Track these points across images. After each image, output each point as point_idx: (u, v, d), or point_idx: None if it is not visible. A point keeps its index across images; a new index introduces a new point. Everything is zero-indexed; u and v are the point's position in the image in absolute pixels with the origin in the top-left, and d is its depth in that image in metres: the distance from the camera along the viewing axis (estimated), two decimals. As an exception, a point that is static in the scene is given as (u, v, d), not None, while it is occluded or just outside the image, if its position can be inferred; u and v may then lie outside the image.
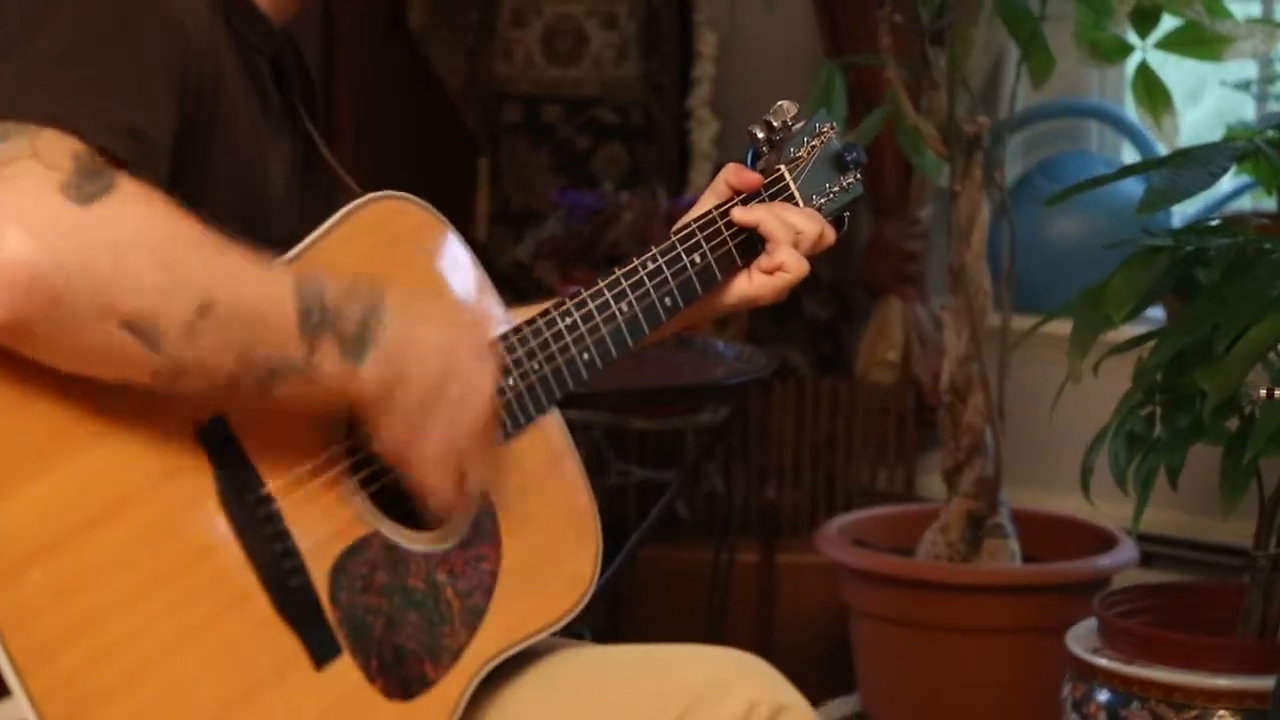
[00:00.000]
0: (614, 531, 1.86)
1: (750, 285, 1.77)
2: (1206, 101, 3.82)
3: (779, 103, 1.80)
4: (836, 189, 1.81)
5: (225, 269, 1.35)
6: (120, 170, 1.33)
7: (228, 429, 1.43)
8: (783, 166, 1.79)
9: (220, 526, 1.41)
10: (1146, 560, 3.38)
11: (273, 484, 1.44)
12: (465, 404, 1.47)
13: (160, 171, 1.38)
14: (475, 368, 1.49)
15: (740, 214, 1.75)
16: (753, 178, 1.77)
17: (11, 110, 1.32)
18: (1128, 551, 3.14)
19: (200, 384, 1.36)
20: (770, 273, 1.75)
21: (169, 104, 1.40)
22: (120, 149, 1.33)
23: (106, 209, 1.30)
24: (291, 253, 1.51)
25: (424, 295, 1.52)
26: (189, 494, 1.40)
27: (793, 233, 1.74)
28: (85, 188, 1.29)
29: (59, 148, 1.31)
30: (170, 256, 1.32)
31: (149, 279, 1.31)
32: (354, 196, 1.62)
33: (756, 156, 1.80)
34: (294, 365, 1.38)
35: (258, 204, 1.54)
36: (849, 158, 1.82)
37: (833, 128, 1.83)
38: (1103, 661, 2.62)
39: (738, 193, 1.77)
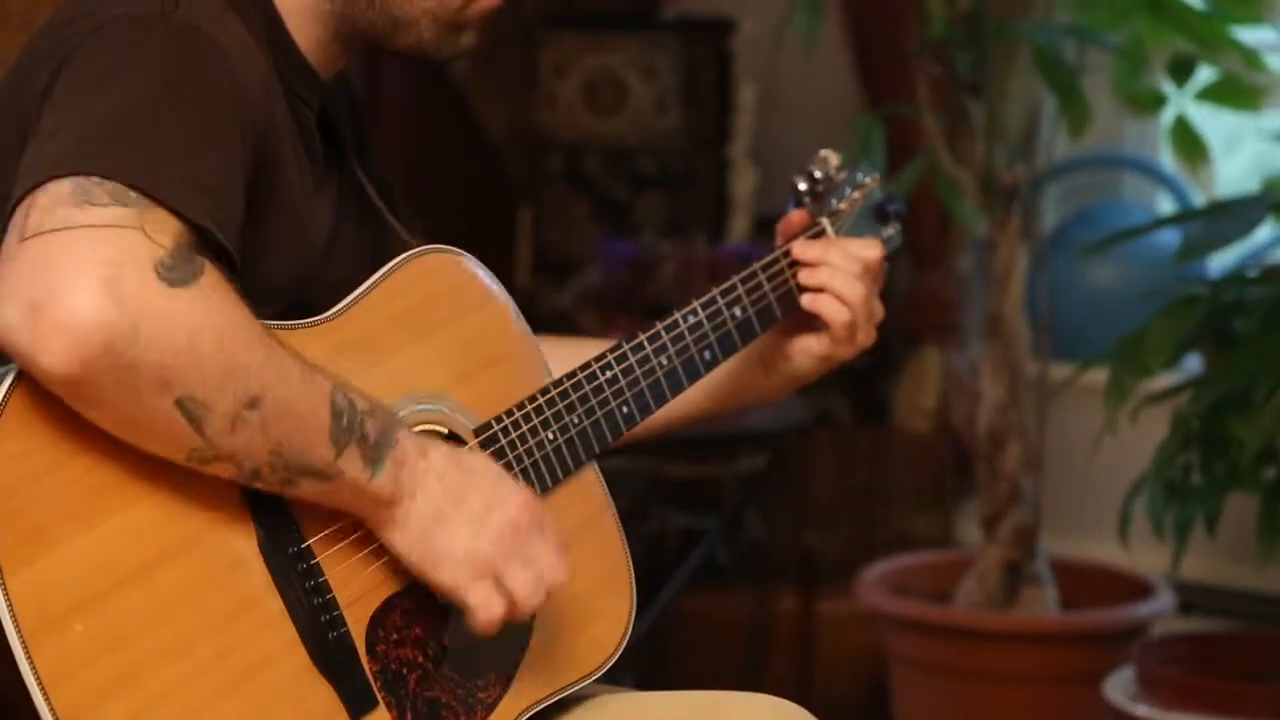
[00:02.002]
0: (653, 578, 1.88)
1: (819, 342, 1.75)
2: (1244, 151, 3.83)
3: (822, 152, 1.79)
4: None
5: (276, 369, 1.39)
6: (207, 258, 1.36)
7: (271, 483, 1.45)
8: (824, 219, 1.79)
9: (261, 579, 1.43)
10: (1184, 608, 3.37)
11: (313, 537, 1.46)
12: (492, 512, 1.48)
13: (238, 232, 1.41)
14: (499, 482, 1.50)
15: (800, 249, 1.76)
16: (800, 215, 1.78)
17: (113, 163, 1.35)
18: (1165, 600, 3.13)
19: (228, 471, 1.40)
20: (819, 291, 1.74)
21: (239, 165, 1.43)
22: (218, 227, 1.38)
23: (190, 294, 1.34)
24: (336, 308, 1.54)
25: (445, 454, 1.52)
26: (230, 547, 1.42)
27: (854, 260, 1.74)
28: (178, 270, 1.33)
29: (165, 227, 1.35)
30: (233, 349, 1.36)
31: (211, 366, 1.34)
32: (403, 242, 1.65)
33: (798, 207, 1.79)
34: (319, 468, 1.42)
35: (306, 256, 1.56)
36: (890, 209, 1.81)
37: (875, 179, 1.82)
38: (1141, 710, 2.62)
39: (789, 239, 1.77)
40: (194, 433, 1.36)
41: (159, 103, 1.39)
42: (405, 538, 1.47)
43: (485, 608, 1.48)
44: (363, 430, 1.43)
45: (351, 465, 1.43)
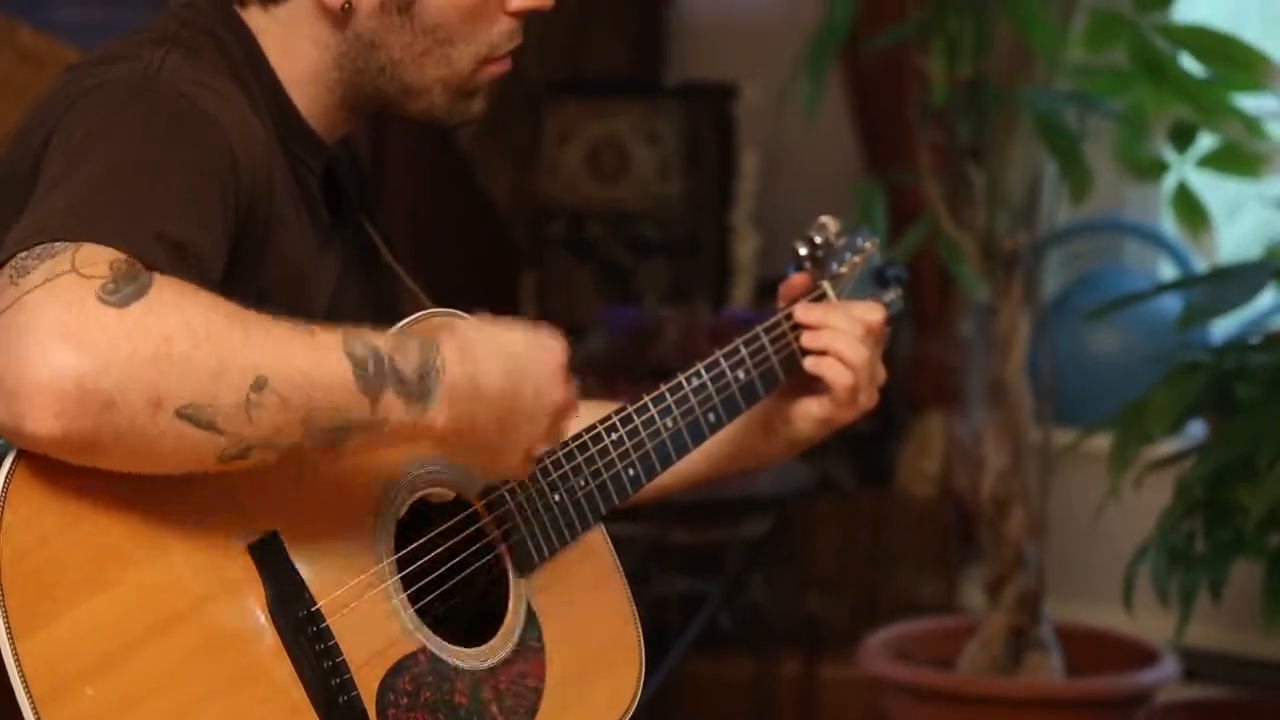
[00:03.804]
0: (656, 644, 1.87)
1: (821, 405, 1.76)
2: (1246, 218, 3.84)
3: (821, 219, 1.81)
4: None
5: (272, 343, 1.36)
6: (154, 271, 1.34)
7: (279, 544, 1.44)
8: (825, 283, 1.80)
9: (270, 642, 1.42)
10: (1189, 675, 3.37)
11: (323, 599, 1.46)
12: (542, 402, 1.50)
13: (210, 283, 1.39)
14: (539, 359, 1.51)
15: (803, 312, 1.76)
16: (801, 279, 1.78)
17: (55, 230, 1.35)
18: (1170, 666, 3.13)
19: (269, 456, 1.37)
20: (822, 354, 1.74)
21: (217, 224, 1.42)
22: (157, 256, 1.35)
23: (143, 307, 1.31)
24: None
25: (476, 327, 1.52)
26: (240, 610, 1.42)
27: (856, 323, 1.75)
28: (122, 291, 1.31)
29: (96, 258, 1.32)
30: (214, 341, 1.33)
31: (196, 367, 1.32)
32: (417, 300, 1.65)
33: (799, 271, 1.80)
34: (360, 422, 1.39)
35: (308, 318, 1.56)
36: (890, 274, 1.82)
37: (874, 244, 1.83)
38: (1146, 777, 2.61)
39: (791, 302, 1.78)
40: (212, 435, 1.33)
41: (121, 169, 1.39)
42: (471, 454, 1.49)
43: (522, 473, 1.54)
44: (396, 371, 1.40)
45: (394, 409, 1.40)
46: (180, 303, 1.33)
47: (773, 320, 1.77)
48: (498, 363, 1.47)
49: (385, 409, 1.40)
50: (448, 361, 1.43)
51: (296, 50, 1.56)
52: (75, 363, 1.29)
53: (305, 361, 1.37)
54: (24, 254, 1.33)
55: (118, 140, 1.41)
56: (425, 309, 1.61)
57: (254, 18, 1.56)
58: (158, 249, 1.35)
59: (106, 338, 1.30)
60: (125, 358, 1.30)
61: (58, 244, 1.33)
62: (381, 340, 1.41)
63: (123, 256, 1.33)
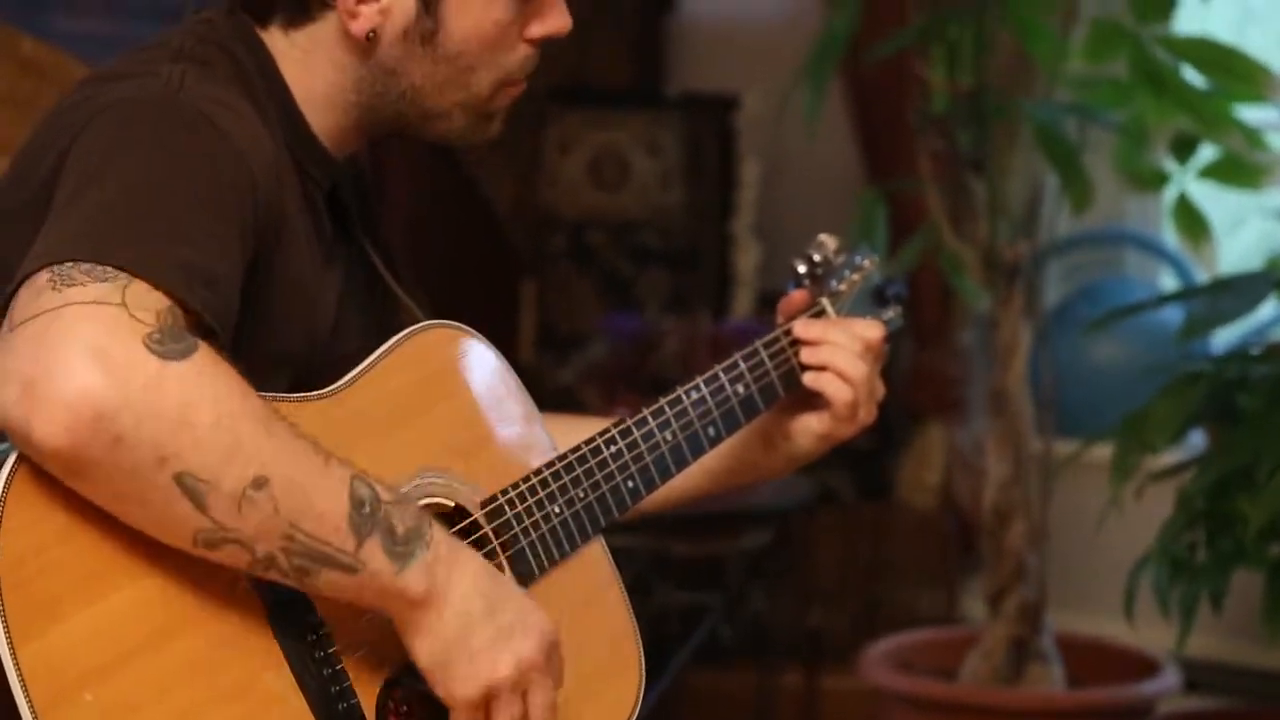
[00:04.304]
0: (657, 656, 1.88)
1: (820, 420, 1.76)
2: (1249, 230, 3.84)
3: (819, 237, 1.81)
4: None
5: (286, 450, 1.37)
6: (198, 337, 1.36)
7: (278, 554, 1.45)
8: (824, 299, 1.80)
9: (270, 650, 1.43)
10: (1190, 686, 3.36)
11: (323, 609, 1.46)
12: (515, 635, 1.46)
13: (231, 313, 1.41)
14: (527, 605, 1.48)
15: (802, 328, 1.76)
16: (801, 295, 1.79)
17: (89, 247, 1.35)
18: (1171, 677, 3.12)
19: (239, 558, 1.38)
20: (821, 369, 1.74)
21: (238, 250, 1.43)
22: (200, 303, 1.37)
23: (183, 369, 1.33)
24: (341, 382, 1.54)
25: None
26: (240, 619, 1.42)
27: (855, 339, 1.75)
28: (167, 345, 1.33)
29: (147, 301, 1.34)
30: (235, 426, 1.34)
31: (211, 442, 1.33)
32: (412, 315, 1.65)
33: (798, 288, 1.81)
34: (338, 558, 1.39)
35: (313, 331, 1.57)
36: (890, 292, 1.83)
37: (873, 262, 1.84)
38: (1147, 788, 2.60)
39: (790, 318, 1.78)
40: (197, 511, 1.34)
41: (149, 186, 1.40)
42: (429, 643, 1.44)
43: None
44: (388, 522, 1.41)
45: (375, 558, 1.40)
46: (217, 378, 1.34)
47: (772, 336, 1.77)
48: (483, 570, 1.46)
49: (367, 555, 1.40)
50: (436, 539, 1.43)
51: (315, 72, 1.57)
52: (103, 388, 1.30)
53: (309, 479, 1.38)
54: (70, 265, 1.34)
55: (143, 157, 1.42)
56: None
57: (274, 40, 1.57)
58: (196, 286, 1.36)
59: (141, 379, 1.31)
60: (150, 404, 1.31)
61: (109, 269, 1.34)
62: (386, 491, 1.42)
63: (170, 305, 1.34)
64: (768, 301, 3.93)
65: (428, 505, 1.56)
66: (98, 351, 1.31)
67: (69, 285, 1.33)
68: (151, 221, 1.38)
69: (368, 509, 1.40)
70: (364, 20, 1.55)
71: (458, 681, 1.45)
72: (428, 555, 1.42)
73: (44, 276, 1.34)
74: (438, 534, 1.44)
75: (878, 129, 3.92)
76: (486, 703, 1.46)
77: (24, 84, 3.19)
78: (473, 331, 1.64)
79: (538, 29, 1.61)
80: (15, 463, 1.35)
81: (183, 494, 1.34)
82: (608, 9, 4.29)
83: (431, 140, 1.63)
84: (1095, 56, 3.09)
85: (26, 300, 1.34)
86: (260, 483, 1.35)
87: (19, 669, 1.31)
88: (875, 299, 1.82)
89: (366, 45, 1.56)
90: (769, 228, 4.18)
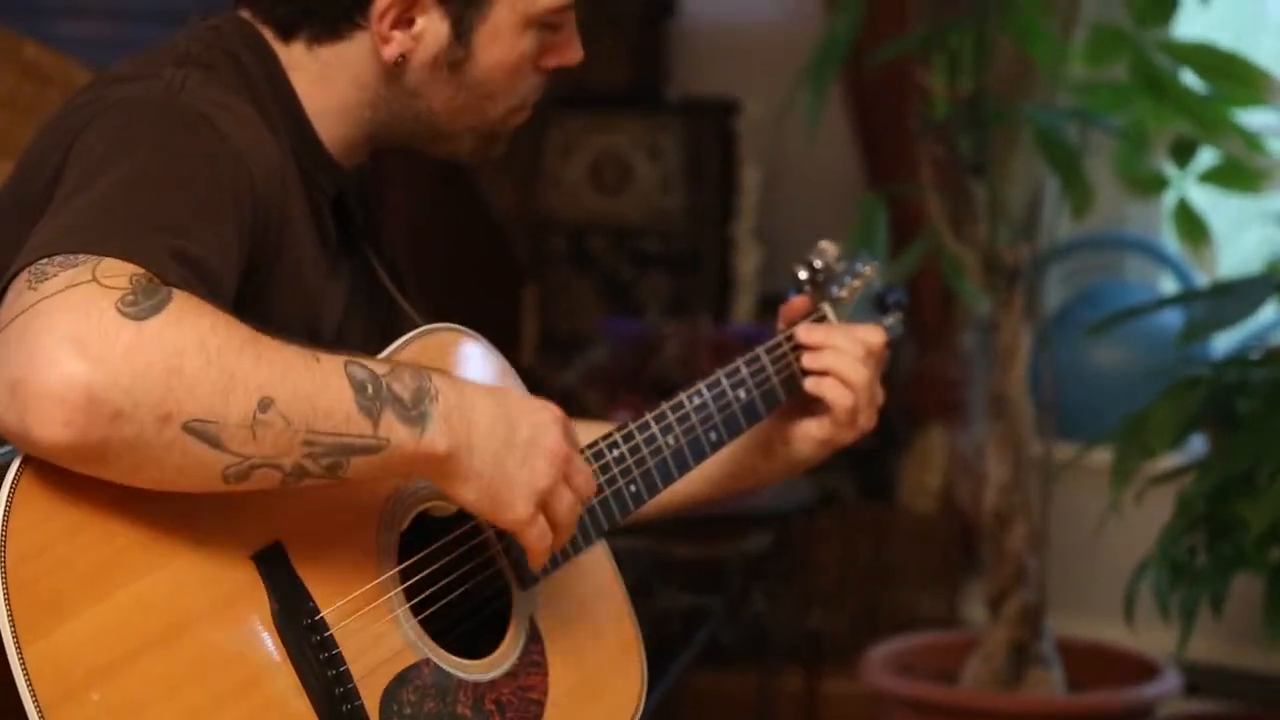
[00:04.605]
0: (658, 658, 1.88)
1: (820, 426, 1.76)
2: (1251, 235, 3.84)
3: (820, 244, 1.82)
4: None
5: (280, 365, 1.37)
6: (174, 287, 1.36)
7: (283, 554, 1.45)
8: (825, 305, 1.81)
9: (274, 651, 1.43)
10: (1191, 690, 3.37)
11: (326, 609, 1.46)
12: (539, 441, 1.49)
13: (223, 301, 1.41)
14: (532, 406, 1.51)
15: (805, 332, 1.77)
16: (802, 301, 1.79)
17: (78, 241, 1.36)
18: (1172, 681, 3.13)
19: (271, 478, 1.38)
20: (823, 374, 1.75)
21: (232, 243, 1.44)
22: (175, 274, 1.37)
23: (161, 322, 1.33)
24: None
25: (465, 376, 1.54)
26: (244, 619, 1.42)
27: (857, 344, 1.75)
28: (140, 304, 1.32)
29: (118, 271, 1.34)
30: (225, 360, 1.34)
31: (206, 383, 1.33)
32: (413, 324, 1.66)
33: (799, 295, 1.81)
34: (360, 443, 1.40)
35: (316, 340, 1.57)
36: (890, 299, 1.83)
37: (874, 268, 1.84)
38: (1147, 791, 2.60)
39: (791, 324, 1.79)
40: (216, 450, 1.35)
41: (144, 184, 1.41)
42: (474, 488, 1.46)
43: (542, 539, 1.50)
44: (392, 393, 1.41)
45: (395, 431, 1.41)
46: (196, 319, 1.34)
47: (774, 341, 1.78)
48: (487, 397, 1.48)
49: (386, 430, 1.41)
50: (440, 389, 1.44)
51: (333, 88, 1.58)
52: (86, 371, 1.30)
53: (309, 384, 1.38)
54: (45, 260, 1.34)
55: (138, 156, 1.42)
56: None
57: (294, 54, 1.58)
58: (176, 266, 1.37)
59: (120, 348, 1.31)
60: (138, 369, 1.31)
61: (80, 255, 1.34)
62: (377, 365, 1.43)
63: (143, 271, 1.34)
64: (768, 305, 3.93)
65: (428, 508, 1.57)
66: (73, 337, 1.31)
67: (42, 280, 1.33)
68: (136, 214, 1.39)
69: (370, 389, 1.40)
70: (395, 46, 1.56)
71: (511, 508, 1.48)
72: (439, 409, 1.43)
73: (23, 277, 1.35)
74: (439, 383, 1.45)
75: (878, 133, 3.92)
76: (543, 509, 1.49)
77: (26, 88, 3.19)
78: (475, 334, 1.65)
79: (555, 60, 1.64)
80: (21, 464, 1.35)
81: (197, 440, 1.34)
82: (609, 12, 4.29)
83: (435, 157, 1.65)
84: (1095, 61, 3.10)
85: (8, 303, 1.35)
86: (265, 404, 1.36)
87: (25, 668, 1.31)
88: (876, 305, 1.83)
89: (394, 69, 1.57)
90: (770, 232, 4.18)
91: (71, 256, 1.34)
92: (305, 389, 1.38)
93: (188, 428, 1.33)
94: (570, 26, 1.64)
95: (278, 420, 1.36)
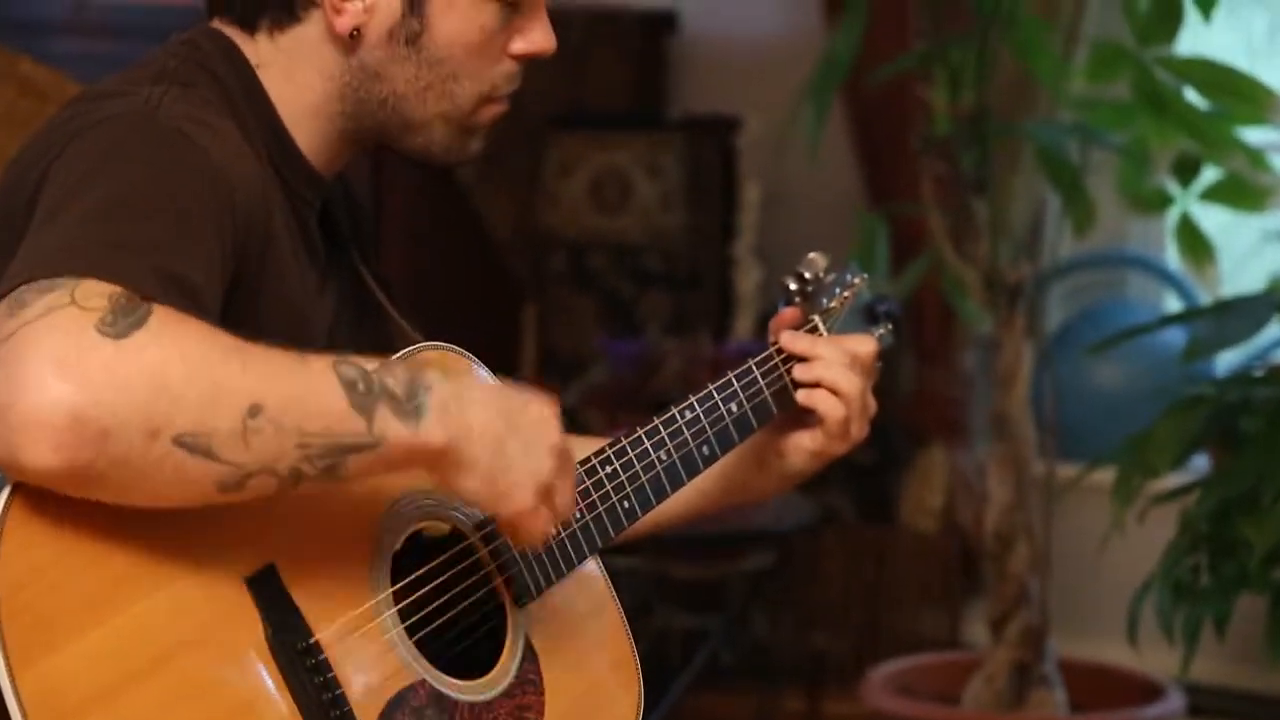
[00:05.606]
0: (658, 678, 1.87)
1: (813, 438, 1.75)
2: (1265, 256, 3.84)
3: (809, 255, 1.81)
4: None
5: (266, 370, 1.37)
6: (155, 303, 1.35)
7: (277, 577, 1.44)
8: (816, 317, 1.80)
9: (269, 675, 1.42)
10: (1194, 711, 3.36)
11: (321, 632, 1.46)
12: (538, 433, 1.48)
13: (207, 316, 1.40)
14: (527, 399, 1.50)
15: (789, 339, 1.76)
16: (793, 312, 1.79)
17: (56, 265, 1.35)
18: (1175, 702, 3.11)
19: (268, 485, 1.38)
20: (814, 386, 1.74)
21: (215, 261, 1.43)
22: (155, 290, 1.36)
23: (140, 338, 1.32)
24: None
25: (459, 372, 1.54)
26: (238, 643, 1.41)
27: (847, 354, 1.74)
28: (120, 323, 1.32)
29: (96, 292, 1.33)
30: (209, 369, 1.34)
31: (191, 395, 1.32)
32: (406, 336, 1.65)
33: (789, 307, 1.81)
34: (356, 441, 1.39)
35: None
36: (881, 309, 1.83)
37: (864, 279, 1.84)
38: (1151, 814, 2.59)
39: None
40: (209, 462, 1.34)
41: (123, 203, 1.40)
42: (473, 479, 1.45)
43: (544, 529, 1.50)
44: (385, 388, 1.41)
45: (390, 426, 1.40)
46: (176, 332, 1.33)
47: (765, 354, 1.77)
48: (482, 390, 1.48)
49: (381, 426, 1.40)
50: (434, 382, 1.43)
51: (300, 81, 1.57)
52: (70, 394, 1.29)
53: (298, 386, 1.37)
54: (24, 287, 1.34)
55: (116, 176, 1.41)
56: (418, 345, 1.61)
57: (260, 49, 1.57)
58: (156, 283, 1.36)
59: (102, 368, 1.30)
60: (120, 386, 1.30)
61: (59, 279, 1.33)
62: (368, 362, 1.42)
63: (122, 291, 1.34)
64: (769, 322, 3.93)
65: (422, 529, 1.56)
66: (54, 361, 1.30)
67: (22, 308, 1.33)
68: (118, 236, 1.38)
69: (361, 386, 1.40)
70: (348, 17, 1.55)
71: (511, 499, 1.47)
72: (434, 400, 1.42)
73: (2, 306, 1.34)
74: (432, 376, 1.44)
75: (879, 150, 3.92)
76: (545, 501, 1.49)
77: (22, 104, 3.19)
78: (465, 353, 1.64)
79: (521, 45, 1.62)
80: (11, 489, 1.34)
81: (188, 453, 1.33)
82: (609, 30, 4.30)
83: (412, 154, 1.62)
84: (1097, 77, 3.09)
85: None
86: (255, 411, 1.35)
87: (19, 696, 1.31)
88: (866, 316, 1.82)
89: (350, 44, 1.56)
90: (770, 249, 4.18)
91: (50, 281, 1.34)
92: (294, 392, 1.37)
93: (178, 441, 1.32)
94: (536, 9, 1.62)
95: (268, 426, 1.35)
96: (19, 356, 1.30)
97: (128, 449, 1.31)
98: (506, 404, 1.47)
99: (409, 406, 1.41)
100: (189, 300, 1.38)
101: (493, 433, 1.45)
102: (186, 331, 1.34)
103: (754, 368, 1.76)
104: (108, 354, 1.30)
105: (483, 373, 1.64)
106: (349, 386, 1.39)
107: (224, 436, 1.33)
